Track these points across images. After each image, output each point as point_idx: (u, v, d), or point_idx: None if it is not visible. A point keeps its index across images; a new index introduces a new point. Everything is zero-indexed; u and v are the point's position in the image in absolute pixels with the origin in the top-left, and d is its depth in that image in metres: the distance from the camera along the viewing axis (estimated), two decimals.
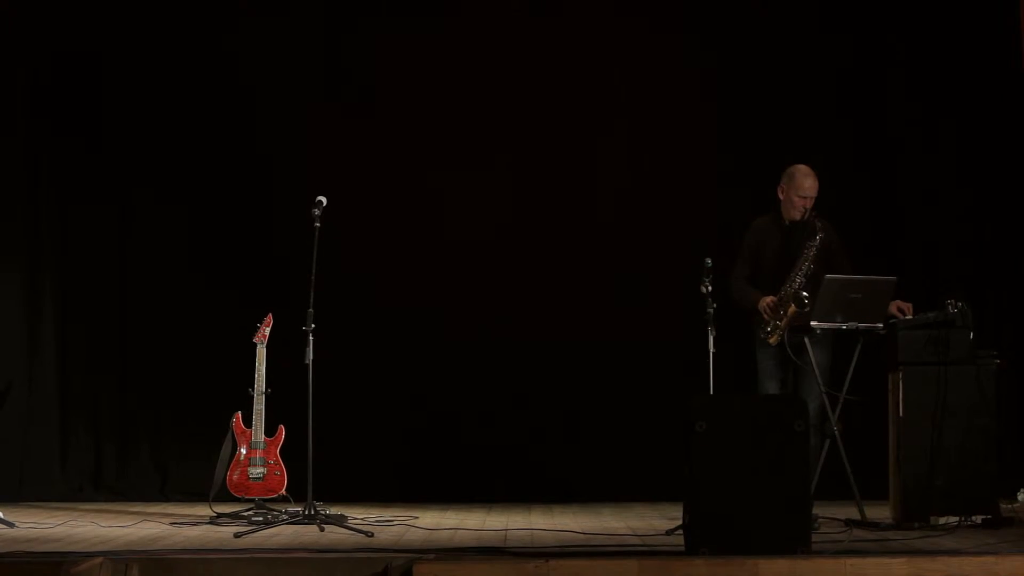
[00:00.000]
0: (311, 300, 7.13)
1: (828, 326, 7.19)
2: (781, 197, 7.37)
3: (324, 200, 7.31)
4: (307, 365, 7.10)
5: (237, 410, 7.75)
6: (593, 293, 9.02)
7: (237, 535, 6.63)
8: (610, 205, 9.10)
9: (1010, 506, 7.42)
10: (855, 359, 7.27)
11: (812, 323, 7.16)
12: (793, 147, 8.95)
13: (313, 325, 7.11)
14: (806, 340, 7.20)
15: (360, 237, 8.91)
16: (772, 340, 7.13)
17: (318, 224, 7.23)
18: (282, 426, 7.74)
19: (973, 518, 6.86)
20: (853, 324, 7.20)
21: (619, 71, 9.15)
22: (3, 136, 9.12)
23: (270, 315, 7.81)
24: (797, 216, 7.25)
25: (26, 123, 9.17)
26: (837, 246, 7.37)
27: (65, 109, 9.17)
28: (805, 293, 7.02)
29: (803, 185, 7.29)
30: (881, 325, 7.20)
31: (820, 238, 7.15)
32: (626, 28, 9.11)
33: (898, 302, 7.14)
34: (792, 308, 7.04)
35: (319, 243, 7.19)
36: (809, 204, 7.28)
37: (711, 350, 7.02)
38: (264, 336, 7.77)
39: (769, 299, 7.20)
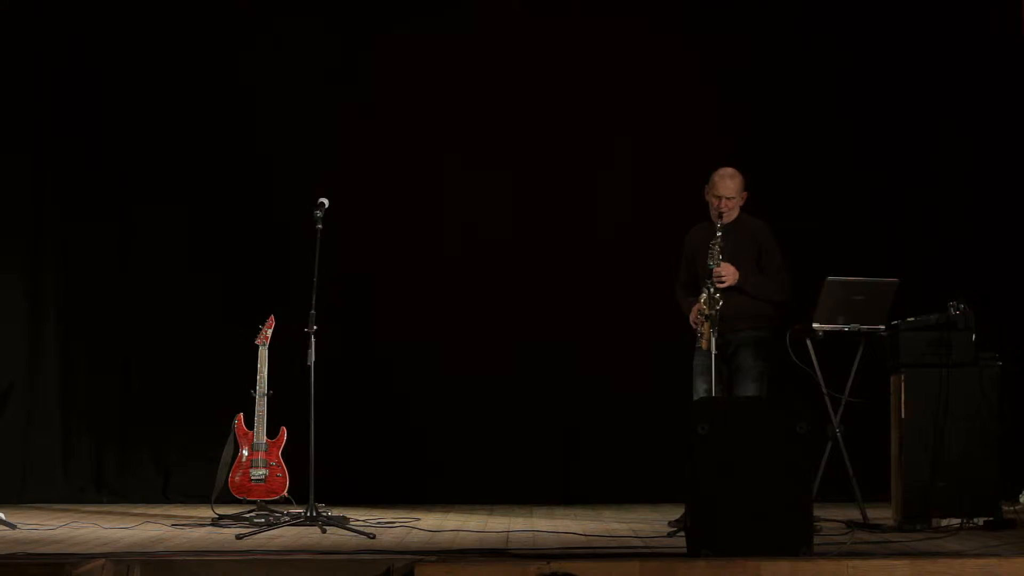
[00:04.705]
0: (313, 302, 7.13)
1: (830, 328, 7.21)
2: (707, 199, 7.39)
3: (326, 201, 7.31)
4: (309, 367, 7.09)
5: (239, 412, 7.75)
6: (595, 294, 9.01)
7: (239, 537, 6.63)
8: (611, 207, 9.10)
9: (1012, 508, 7.43)
10: (857, 361, 7.29)
11: (814, 325, 7.19)
12: (793, 148, 8.99)
13: (315, 327, 7.11)
14: (808, 342, 7.23)
15: (361, 238, 8.92)
16: (703, 345, 7.12)
17: (320, 226, 7.23)
18: (284, 428, 7.74)
19: (975, 520, 6.86)
20: (855, 326, 7.22)
21: (621, 74, 9.14)
22: (4, 130, 9.16)
23: (272, 317, 7.81)
24: (714, 216, 7.27)
25: (26, 112, 9.19)
26: (768, 245, 7.35)
27: (67, 105, 9.17)
28: (718, 295, 7.05)
29: (717, 185, 7.31)
30: (883, 327, 7.21)
31: (720, 235, 7.14)
32: (626, 30, 9.12)
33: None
34: (713, 312, 7.05)
35: (321, 244, 7.20)
36: (725, 205, 7.27)
37: (713, 352, 7.01)
38: (266, 338, 7.77)
39: (695, 307, 7.21)
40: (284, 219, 8.81)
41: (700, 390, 7.24)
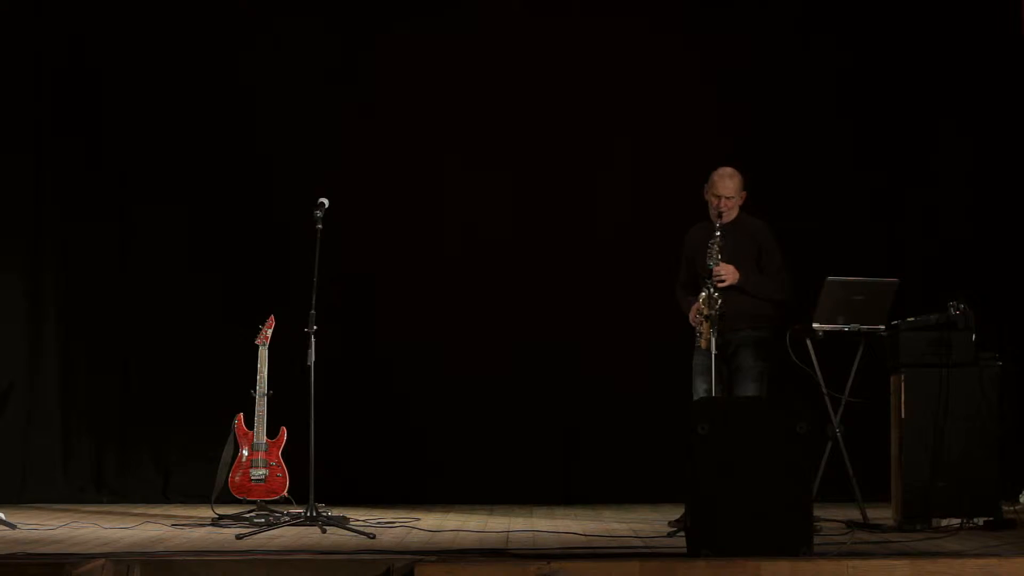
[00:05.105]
0: (313, 302, 7.13)
1: (830, 328, 7.21)
2: (706, 198, 7.38)
3: (326, 201, 7.31)
4: (309, 367, 7.09)
5: (239, 412, 7.75)
6: (595, 294, 9.01)
7: (239, 537, 6.63)
8: (611, 207, 9.10)
9: (1012, 508, 7.42)
10: (857, 361, 7.29)
11: (814, 325, 7.19)
12: (793, 148, 8.99)
13: (315, 327, 7.11)
14: (808, 342, 7.23)
15: (361, 238, 8.92)
16: (703, 344, 7.12)
17: (320, 226, 7.23)
18: (284, 428, 7.74)
19: (975, 520, 6.86)
20: (855, 326, 7.22)
21: (621, 74, 9.14)
22: (4, 130, 9.16)
23: (272, 317, 7.81)
24: (713, 216, 7.26)
25: (26, 112, 9.19)
26: (768, 245, 7.33)
27: (67, 105, 9.17)
28: (717, 295, 7.04)
29: (716, 184, 7.29)
30: (883, 327, 7.21)
31: (719, 235, 7.13)
32: (626, 30, 9.12)
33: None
34: (713, 312, 7.04)
35: (321, 244, 7.20)
36: (724, 204, 7.26)
37: (713, 352, 7.01)
38: (266, 338, 7.77)
39: (695, 307, 7.20)
40: (284, 219, 8.81)
41: (700, 390, 7.23)
